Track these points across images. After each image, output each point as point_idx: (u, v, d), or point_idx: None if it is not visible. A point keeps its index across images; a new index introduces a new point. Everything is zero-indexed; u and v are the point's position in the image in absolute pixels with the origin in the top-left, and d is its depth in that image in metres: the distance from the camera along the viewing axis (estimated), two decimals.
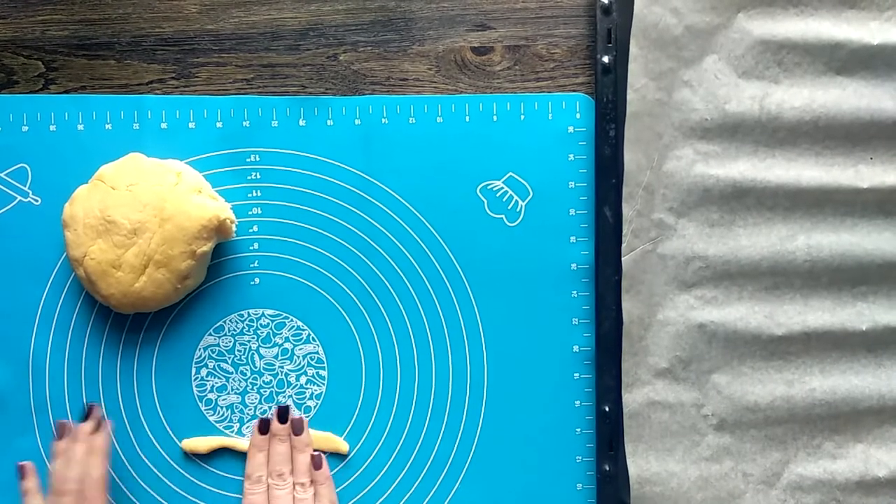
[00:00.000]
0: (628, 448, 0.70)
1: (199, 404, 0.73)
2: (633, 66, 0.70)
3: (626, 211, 0.70)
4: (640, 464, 0.70)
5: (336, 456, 0.73)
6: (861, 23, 0.70)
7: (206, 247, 0.69)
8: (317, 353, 0.74)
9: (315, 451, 0.72)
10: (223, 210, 0.70)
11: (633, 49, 0.70)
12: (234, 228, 0.71)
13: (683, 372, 0.71)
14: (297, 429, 0.72)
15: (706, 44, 0.70)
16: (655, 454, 0.71)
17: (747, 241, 0.71)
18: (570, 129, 0.73)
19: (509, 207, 0.73)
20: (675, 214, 0.71)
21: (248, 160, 0.73)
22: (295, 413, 0.73)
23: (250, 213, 0.73)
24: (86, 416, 0.71)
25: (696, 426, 0.71)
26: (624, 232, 0.71)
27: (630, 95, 0.70)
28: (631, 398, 0.70)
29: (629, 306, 0.71)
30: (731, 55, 0.70)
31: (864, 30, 0.70)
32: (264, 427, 0.72)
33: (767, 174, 0.70)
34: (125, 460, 0.73)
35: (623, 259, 0.71)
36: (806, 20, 0.70)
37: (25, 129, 0.73)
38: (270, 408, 0.74)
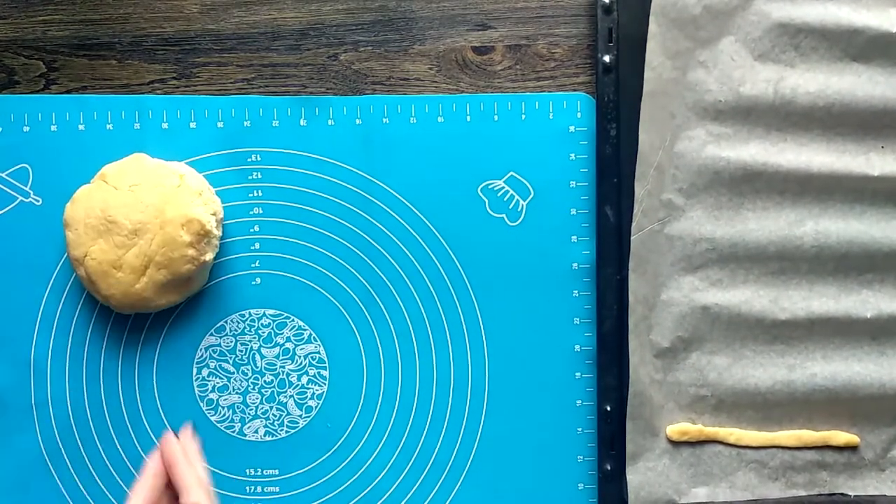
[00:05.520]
0: (629, 425, 0.71)
1: (201, 404, 0.73)
2: (651, 44, 0.70)
3: (638, 190, 0.70)
4: (637, 440, 0.71)
5: (338, 455, 0.73)
6: (881, 10, 0.70)
7: (208, 256, 0.69)
8: (318, 352, 0.74)
9: None
10: (204, 216, 0.69)
11: (652, 26, 0.70)
12: (215, 237, 0.70)
13: (684, 352, 0.71)
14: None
15: (723, 25, 0.70)
16: (652, 431, 0.71)
17: (755, 224, 0.71)
18: (571, 128, 0.73)
19: (510, 207, 0.73)
20: (684, 195, 0.71)
21: (249, 160, 0.73)
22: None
23: (251, 212, 0.73)
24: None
25: (693, 406, 0.71)
26: (634, 211, 0.70)
27: (647, 74, 0.70)
28: (634, 377, 0.70)
29: (635, 286, 0.71)
30: (748, 37, 0.70)
31: (884, 17, 0.70)
32: None
33: (778, 158, 0.70)
34: (126, 460, 0.73)
35: (632, 238, 0.70)
36: (825, 4, 0.70)
37: (26, 129, 0.73)
38: (272, 407, 0.74)
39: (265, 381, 0.74)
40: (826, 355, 0.71)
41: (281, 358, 0.74)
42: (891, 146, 0.71)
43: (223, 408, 0.74)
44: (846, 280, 0.71)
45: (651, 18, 0.70)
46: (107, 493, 0.73)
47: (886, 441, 0.71)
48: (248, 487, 0.73)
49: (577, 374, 0.73)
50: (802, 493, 0.71)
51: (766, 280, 0.71)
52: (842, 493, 0.71)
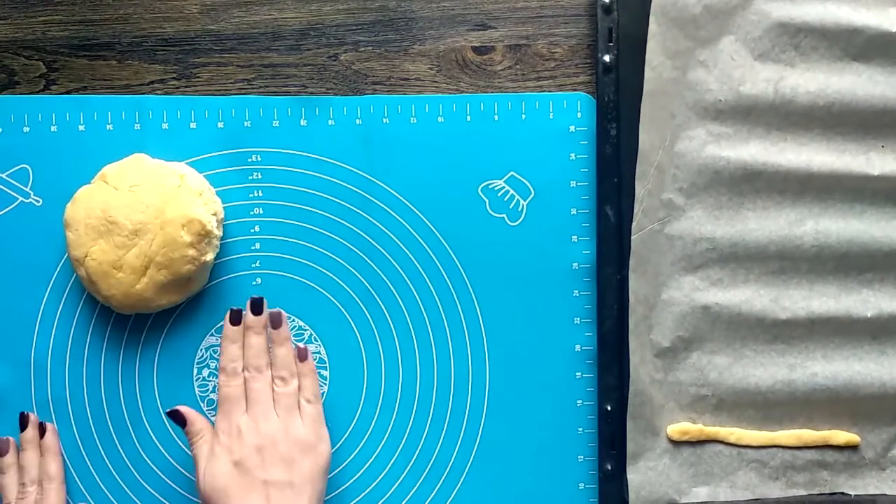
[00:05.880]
0: (629, 425, 0.71)
1: (201, 404, 0.73)
2: (651, 44, 0.70)
3: (638, 190, 0.70)
4: (638, 440, 0.71)
5: (338, 455, 0.73)
6: (881, 9, 0.70)
7: (208, 256, 0.69)
8: (318, 352, 0.74)
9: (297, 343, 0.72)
10: (205, 217, 0.69)
11: (652, 26, 0.70)
12: (216, 238, 0.71)
13: (685, 352, 0.71)
14: (276, 322, 0.71)
15: (724, 24, 0.70)
16: (653, 430, 0.71)
17: (755, 224, 0.71)
18: (572, 128, 0.73)
19: (511, 207, 0.73)
20: (684, 195, 0.71)
21: (249, 160, 0.73)
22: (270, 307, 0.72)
23: (252, 213, 0.73)
24: (23, 426, 0.71)
25: (694, 405, 0.71)
26: (635, 211, 0.70)
27: (647, 73, 0.70)
28: (634, 376, 0.70)
29: (636, 286, 0.71)
30: (748, 37, 0.70)
31: (884, 16, 0.70)
32: (236, 318, 0.71)
33: (778, 158, 0.71)
34: (127, 460, 0.73)
35: (632, 238, 0.70)
36: (825, 4, 0.70)
37: (26, 129, 0.73)
38: None
39: None
40: (826, 355, 0.71)
41: None
42: (891, 146, 0.71)
43: None
44: (846, 279, 0.71)
45: (651, 18, 0.70)
46: (106, 492, 0.73)
47: (887, 440, 0.71)
48: None
49: (578, 374, 0.73)
50: (803, 492, 0.71)
51: (766, 279, 0.71)
52: (842, 493, 0.71)
